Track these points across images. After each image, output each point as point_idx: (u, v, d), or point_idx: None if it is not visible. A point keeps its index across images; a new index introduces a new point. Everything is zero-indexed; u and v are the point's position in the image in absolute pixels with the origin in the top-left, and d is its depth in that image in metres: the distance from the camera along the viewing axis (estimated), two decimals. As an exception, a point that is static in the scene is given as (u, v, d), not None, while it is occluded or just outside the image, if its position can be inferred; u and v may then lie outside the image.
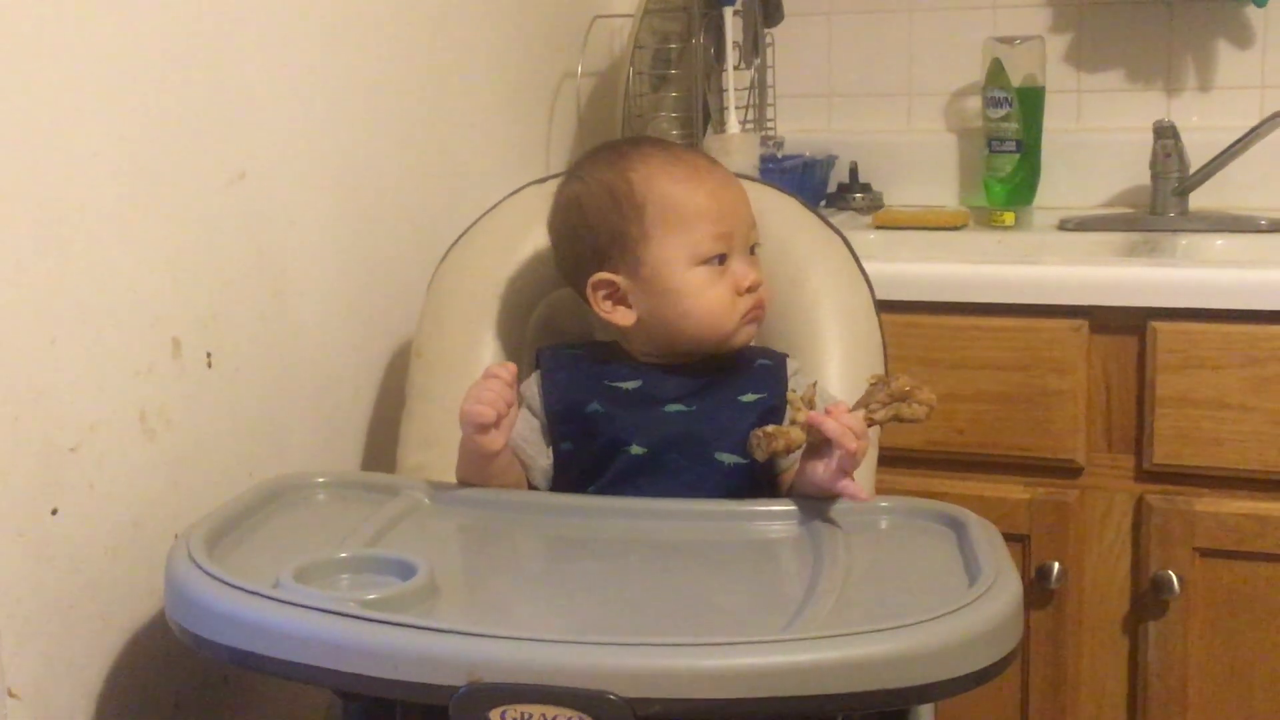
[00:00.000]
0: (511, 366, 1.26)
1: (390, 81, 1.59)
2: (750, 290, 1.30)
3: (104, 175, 1.19)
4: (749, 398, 1.29)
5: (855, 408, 1.23)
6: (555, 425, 1.32)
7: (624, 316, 1.32)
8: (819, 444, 1.21)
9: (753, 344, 1.36)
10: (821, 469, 1.21)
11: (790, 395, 1.26)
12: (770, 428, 1.22)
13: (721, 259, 1.29)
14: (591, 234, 1.32)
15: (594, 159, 1.37)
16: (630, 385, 1.31)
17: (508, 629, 0.95)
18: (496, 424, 1.22)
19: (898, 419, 1.23)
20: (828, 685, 0.93)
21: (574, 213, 1.34)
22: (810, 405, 1.22)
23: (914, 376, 1.24)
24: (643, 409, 1.29)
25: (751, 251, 1.32)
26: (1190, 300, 1.57)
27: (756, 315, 1.31)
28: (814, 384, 1.26)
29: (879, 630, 0.95)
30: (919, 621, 0.96)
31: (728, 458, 1.27)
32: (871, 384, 1.25)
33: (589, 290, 1.32)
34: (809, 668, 0.93)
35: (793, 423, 1.22)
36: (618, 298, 1.32)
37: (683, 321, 1.30)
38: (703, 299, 1.29)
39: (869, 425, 1.22)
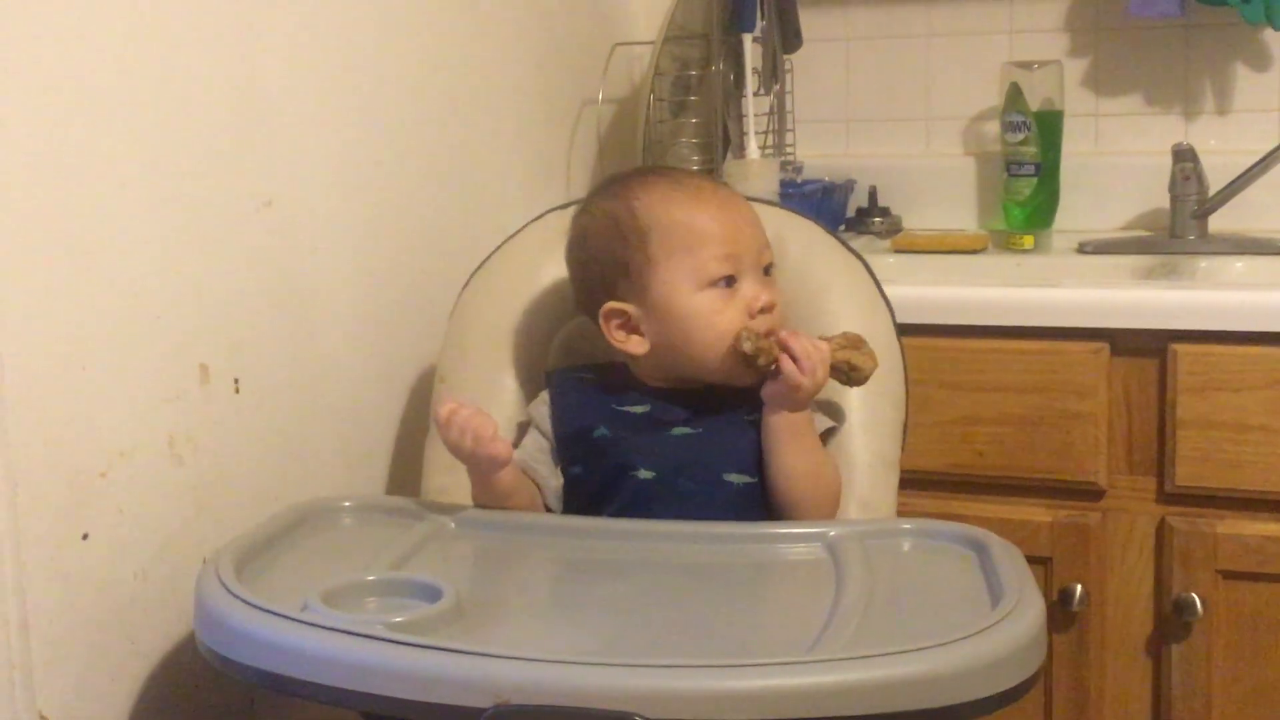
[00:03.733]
0: (449, 400, 1.28)
1: (414, 109, 1.60)
2: (764, 311, 1.30)
3: (134, 203, 1.20)
4: (755, 415, 1.30)
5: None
6: (564, 449, 1.33)
7: (637, 345, 1.32)
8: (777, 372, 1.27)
9: None
10: (777, 381, 1.27)
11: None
12: (763, 331, 1.28)
13: (729, 281, 1.29)
14: (599, 264, 1.34)
15: (601, 190, 1.39)
16: (638, 410, 1.32)
17: (534, 651, 0.96)
18: (495, 432, 1.24)
19: (850, 365, 1.29)
20: (853, 707, 0.94)
21: (582, 244, 1.36)
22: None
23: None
24: (649, 433, 1.30)
25: (766, 273, 1.33)
26: (1211, 322, 1.57)
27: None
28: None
29: (903, 652, 0.96)
30: (943, 643, 0.97)
31: (736, 478, 1.29)
32: (830, 335, 1.32)
33: (601, 320, 1.33)
34: (834, 689, 0.94)
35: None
36: (630, 327, 1.33)
37: (692, 348, 1.30)
38: (712, 323, 1.29)
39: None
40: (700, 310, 1.29)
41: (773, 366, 1.27)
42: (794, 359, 1.26)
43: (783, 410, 1.28)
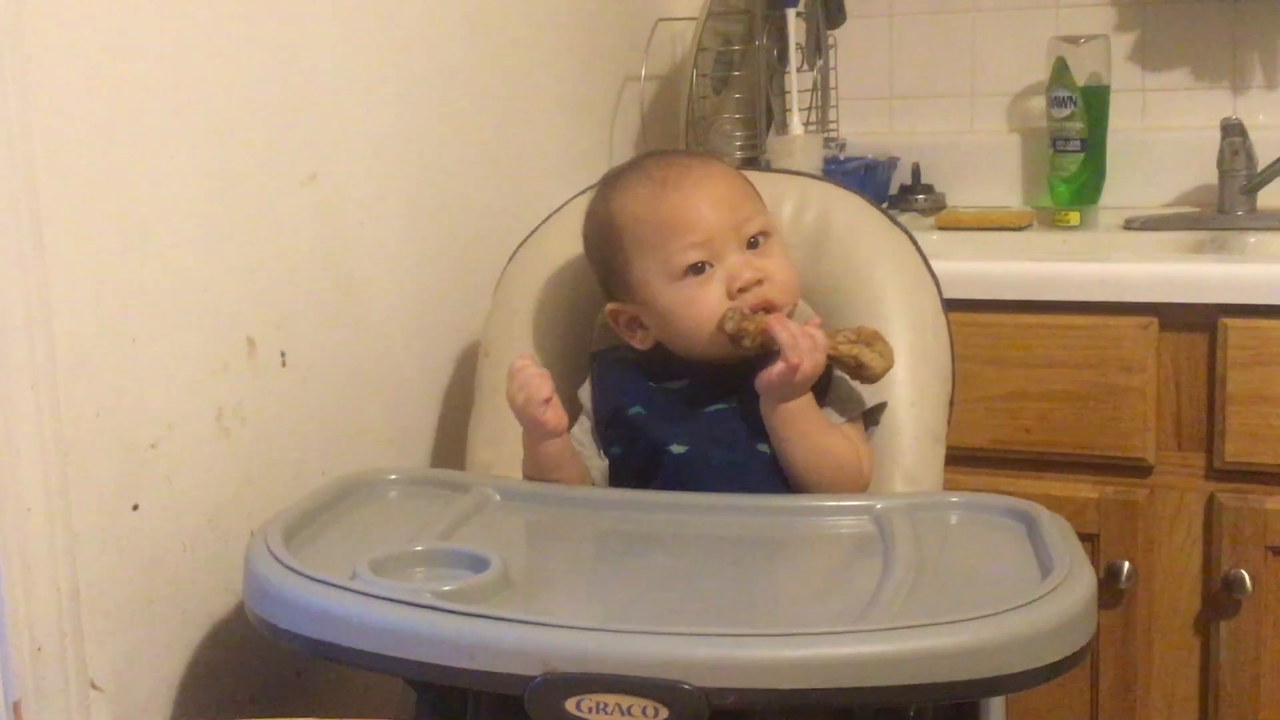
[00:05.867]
0: (527, 353, 1.28)
1: (457, 85, 1.60)
2: (745, 289, 1.27)
3: (182, 178, 1.21)
4: None
5: (826, 334, 1.25)
6: (603, 430, 1.34)
7: (643, 340, 1.33)
8: (777, 353, 1.23)
9: None
10: (764, 372, 1.24)
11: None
12: (748, 310, 1.26)
13: (701, 268, 1.28)
14: (596, 266, 1.37)
15: (597, 188, 1.39)
16: (677, 385, 1.32)
17: (582, 620, 0.96)
18: (549, 400, 1.24)
19: (857, 361, 1.24)
20: (902, 676, 0.94)
21: (585, 248, 1.38)
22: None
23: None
24: (683, 409, 1.30)
25: (754, 244, 1.29)
26: (1261, 297, 1.56)
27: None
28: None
29: (953, 622, 0.95)
30: (993, 613, 0.96)
31: (769, 448, 1.28)
32: (844, 327, 1.27)
33: (610, 320, 1.35)
34: (884, 658, 0.93)
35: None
36: (635, 323, 1.33)
37: (680, 339, 1.30)
38: (688, 312, 1.28)
39: (830, 356, 1.24)
40: (677, 301, 1.28)
41: (774, 346, 1.24)
42: (779, 348, 1.23)
43: (774, 400, 1.25)
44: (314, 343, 1.38)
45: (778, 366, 1.23)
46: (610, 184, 1.36)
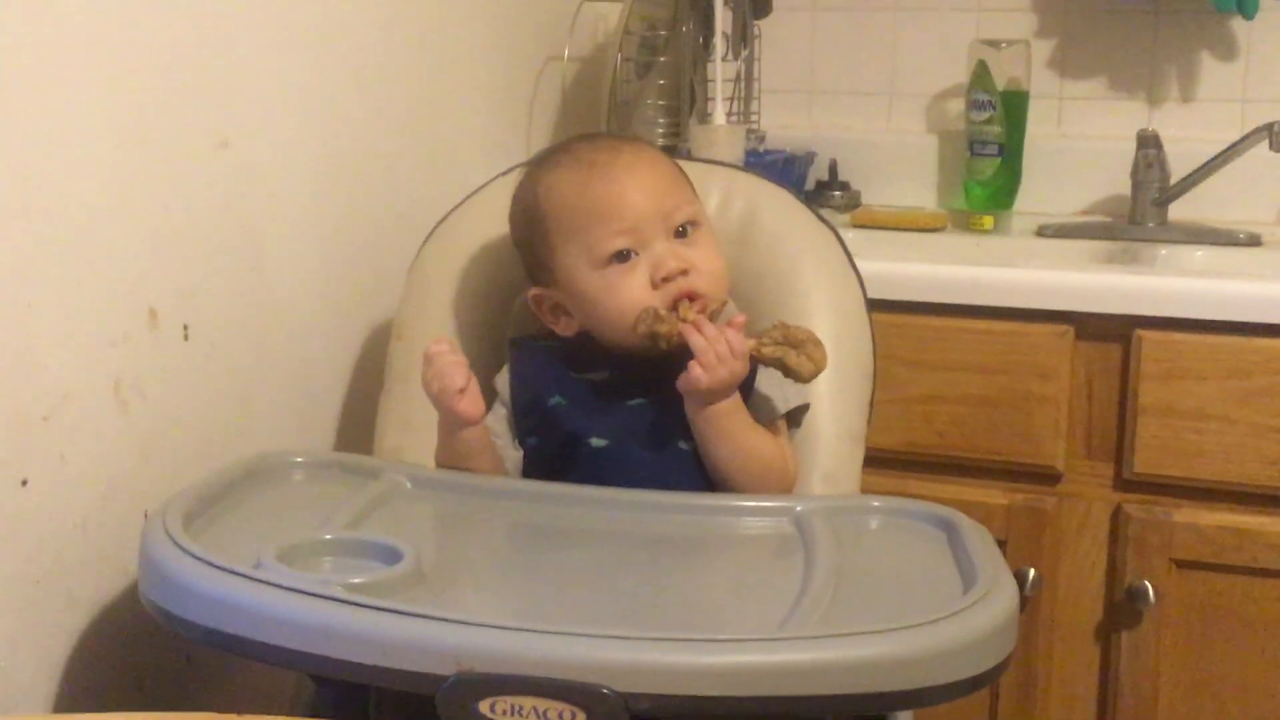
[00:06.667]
0: (445, 338, 1.24)
1: (377, 57, 1.55)
2: (668, 279, 1.24)
3: (86, 135, 1.15)
4: None
5: (751, 336, 1.21)
6: (520, 419, 1.30)
7: (566, 326, 1.30)
8: None
9: None
10: (682, 376, 1.20)
11: (683, 301, 1.23)
12: (664, 311, 1.21)
13: (625, 254, 1.25)
14: (520, 251, 1.33)
15: (525, 169, 1.36)
16: (597, 376, 1.29)
17: (499, 618, 0.92)
18: (465, 388, 1.20)
19: (783, 364, 1.21)
20: (825, 686, 0.92)
21: (511, 232, 1.35)
22: (712, 318, 1.22)
23: (803, 333, 1.22)
24: (604, 402, 1.27)
25: (682, 233, 1.26)
26: (1178, 310, 1.57)
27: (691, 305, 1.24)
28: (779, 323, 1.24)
29: (878, 632, 0.94)
30: (917, 624, 0.95)
31: (690, 445, 1.25)
32: (775, 324, 1.23)
33: (532, 305, 1.32)
34: (809, 668, 0.91)
35: (683, 319, 1.21)
36: (559, 309, 1.30)
37: (602, 327, 1.27)
38: (611, 300, 1.25)
39: (754, 358, 1.21)
40: (599, 289, 1.25)
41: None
42: (695, 350, 1.19)
43: (697, 403, 1.22)
44: (219, 316, 1.32)
45: (694, 372, 1.20)
46: (538, 166, 1.32)
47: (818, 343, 1.21)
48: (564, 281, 1.28)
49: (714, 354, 1.19)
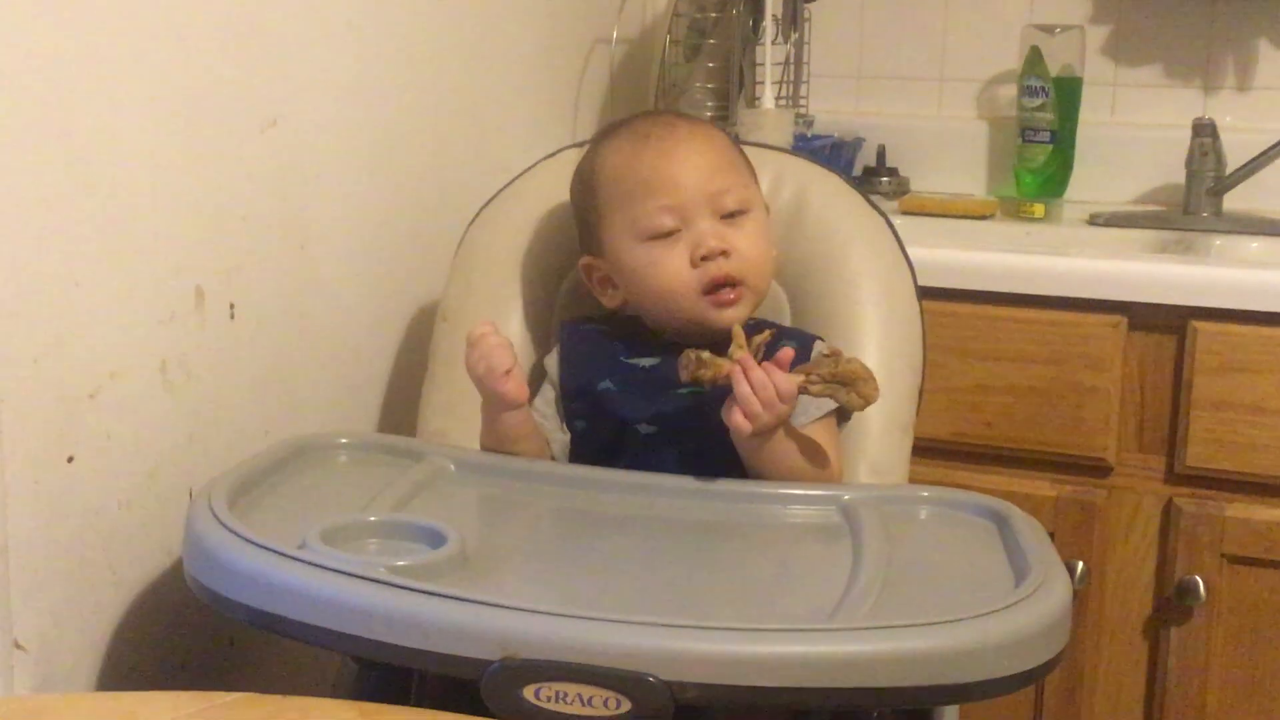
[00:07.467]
0: (489, 321, 1.23)
1: (424, 39, 1.54)
2: (708, 258, 1.22)
3: (135, 116, 1.14)
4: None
5: (801, 371, 1.17)
6: (569, 402, 1.29)
7: (611, 298, 1.30)
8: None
9: (787, 325, 1.33)
10: (725, 413, 1.16)
11: (736, 329, 1.18)
12: (706, 355, 1.16)
13: (669, 231, 1.24)
14: (575, 219, 1.34)
15: (591, 140, 1.36)
16: (647, 363, 1.28)
17: (545, 604, 0.91)
18: (510, 371, 1.19)
19: (833, 400, 1.17)
20: (875, 679, 0.91)
21: (570, 197, 1.35)
22: (757, 351, 1.16)
23: (850, 359, 1.17)
24: (655, 388, 1.26)
25: (730, 218, 1.24)
26: (1233, 301, 1.54)
27: (724, 293, 1.23)
28: (822, 343, 1.22)
29: (929, 625, 0.92)
30: (969, 617, 0.93)
31: None
32: (825, 354, 1.19)
33: (582, 273, 1.32)
34: (858, 659, 0.90)
35: (730, 358, 1.16)
36: (606, 280, 1.30)
37: (644, 302, 1.27)
38: (651, 275, 1.25)
39: (801, 393, 1.16)
40: (641, 263, 1.25)
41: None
42: (738, 399, 1.15)
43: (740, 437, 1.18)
44: (264, 296, 1.32)
45: (737, 419, 1.15)
46: (600, 137, 1.33)
47: (869, 378, 1.16)
48: (610, 253, 1.28)
49: (759, 402, 1.15)
